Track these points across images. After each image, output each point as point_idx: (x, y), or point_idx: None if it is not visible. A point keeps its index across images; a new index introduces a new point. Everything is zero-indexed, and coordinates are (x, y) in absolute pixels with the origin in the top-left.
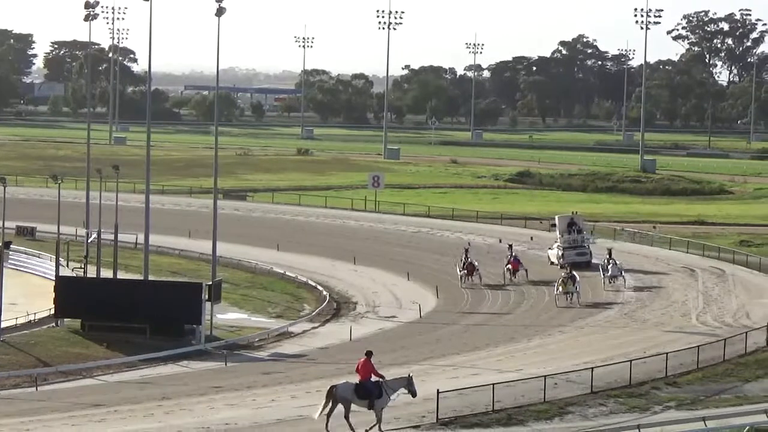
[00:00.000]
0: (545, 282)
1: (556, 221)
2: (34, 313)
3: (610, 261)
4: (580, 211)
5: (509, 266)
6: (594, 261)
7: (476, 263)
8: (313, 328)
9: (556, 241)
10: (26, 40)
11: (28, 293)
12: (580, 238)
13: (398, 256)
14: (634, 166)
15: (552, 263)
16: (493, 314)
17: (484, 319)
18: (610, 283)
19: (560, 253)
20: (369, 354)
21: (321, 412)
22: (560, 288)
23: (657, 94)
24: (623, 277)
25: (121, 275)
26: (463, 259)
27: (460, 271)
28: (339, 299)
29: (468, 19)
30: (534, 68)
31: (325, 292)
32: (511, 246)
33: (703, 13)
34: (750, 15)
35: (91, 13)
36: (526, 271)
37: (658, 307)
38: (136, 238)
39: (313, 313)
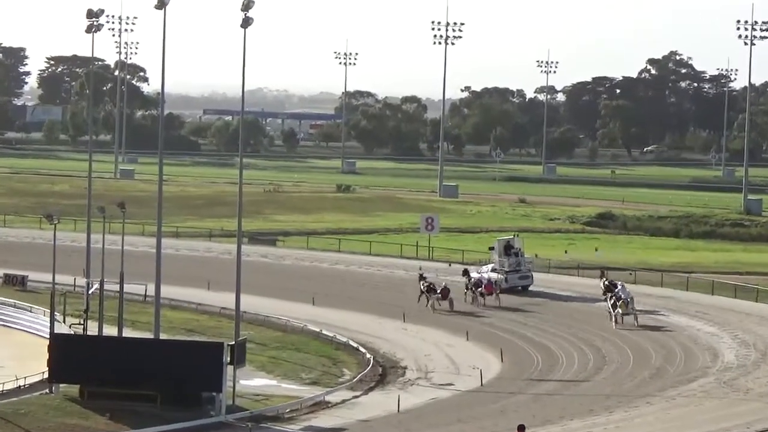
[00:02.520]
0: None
1: (495, 245)
2: (25, 378)
3: (616, 285)
4: (672, 260)
5: (482, 290)
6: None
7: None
8: (354, 397)
9: (488, 264)
10: (17, 55)
11: (17, 354)
12: (521, 261)
13: (455, 311)
14: (736, 207)
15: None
16: (567, 381)
17: (557, 387)
18: (619, 318)
19: (502, 277)
20: (521, 429)
21: None
22: (620, 309)
23: (764, 122)
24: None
25: (128, 333)
26: (423, 285)
27: (427, 294)
28: (385, 363)
29: (540, 33)
30: (617, 91)
31: (368, 355)
32: (466, 271)
33: None
34: None
35: (95, 23)
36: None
37: (764, 375)
38: (146, 290)
39: (355, 380)
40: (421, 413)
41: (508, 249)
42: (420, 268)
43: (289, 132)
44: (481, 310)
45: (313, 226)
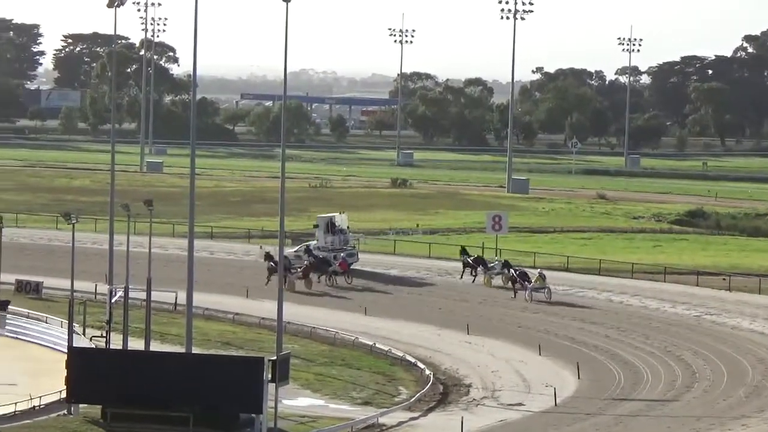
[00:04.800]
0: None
1: (319, 222)
2: (39, 397)
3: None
4: None
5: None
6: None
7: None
8: (412, 419)
9: (300, 245)
10: (30, 33)
11: (31, 370)
12: (347, 239)
13: (526, 322)
14: None
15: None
16: (653, 401)
17: (641, 407)
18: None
19: (328, 256)
20: None
21: None
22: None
23: None
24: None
25: (156, 347)
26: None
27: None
28: (447, 380)
29: (621, 7)
30: (709, 72)
31: (427, 371)
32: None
33: None
34: None
35: None
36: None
37: None
38: (176, 298)
39: (412, 399)
40: None
41: (332, 227)
42: (261, 247)
43: (337, 119)
44: (333, 290)
45: (365, 225)
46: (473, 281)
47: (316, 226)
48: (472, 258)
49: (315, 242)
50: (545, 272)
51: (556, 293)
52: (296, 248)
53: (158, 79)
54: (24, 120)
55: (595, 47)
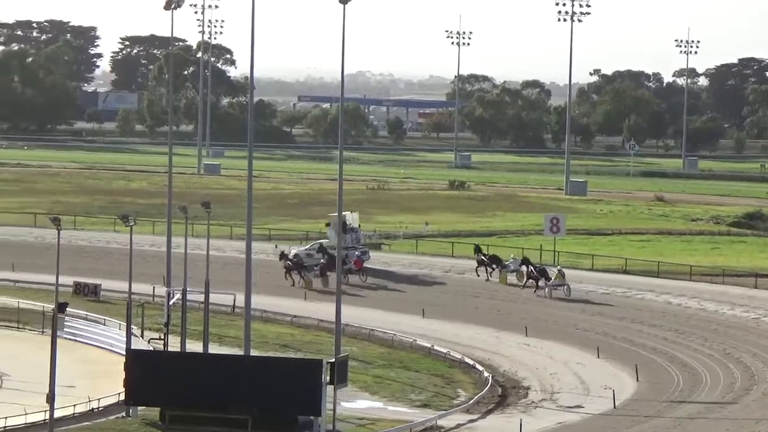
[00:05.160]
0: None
1: (331, 222)
2: (98, 399)
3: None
4: None
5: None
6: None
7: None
8: (471, 421)
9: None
10: (88, 36)
11: (89, 372)
12: (359, 238)
13: (584, 325)
14: None
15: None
16: (712, 403)
17: (700, 409)
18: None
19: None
20: None
21: None
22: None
23: None
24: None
25: (214, 349)
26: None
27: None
28: (505, 383)
29: (679, 9)
30: (767, 74)
31: (486, 374)
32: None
33: None
34: None
35: None
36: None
37: None
38: (234, 300)
39: (471, 402)
40: None
41: (343, 225)
42: (276, 246)
43: (394, 121)
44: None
45: (423, 227)
46: (487, 279)
47: (328, 225)
48: (486, 256)
49: (327, 240)
50: (565, 270)
51: (614, 295)
52: (308, 246)
53: (215, 82)
54: (81, 122)
55: (653, 49)
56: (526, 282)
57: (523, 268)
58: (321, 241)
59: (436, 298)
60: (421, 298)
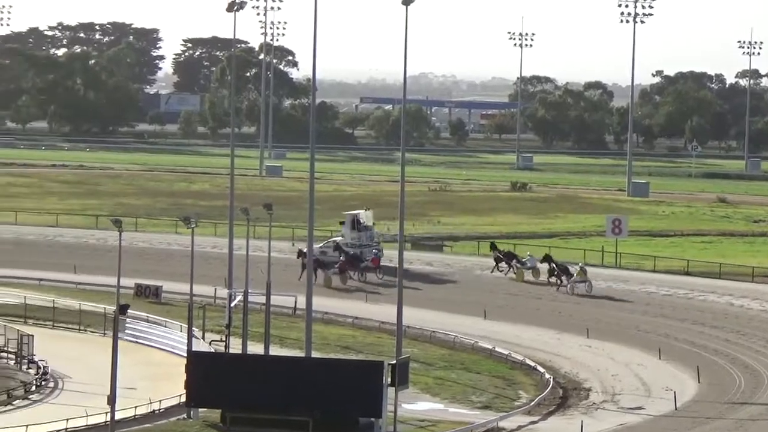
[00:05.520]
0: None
1: (346, 220)
2: (159, 401)
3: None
4: None
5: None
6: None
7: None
8: (532, 423)
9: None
10: (150, 38)
11: (150, 374)
12: (373, 235)
13: (646, 326)
14: None
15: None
16: None
17: (761, 411)
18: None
19: (357, 252)
20: None
21: None
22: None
23: None
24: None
25: (275, 351)
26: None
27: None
28: (566, 384)
29: (741, 10)
30: None
31: (547, 375)
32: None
33: None
34: None
35: (237, 1)
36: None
37: None
38: (295, 302)
39: (532, 403)
40: None
41: (357, 223)
42: (293, 244)
43: (457, 123)
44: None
45: (485, 229)
46: (506, 274)
47: (342, 223)
48: (503, 252)
49: (341, 238)
50: (587, 267)
51: (676, 296)
52: (322, 244)
53: (278, 83)
54: (143, 124)
55: (715, 50)
56: (549, 279)
57: (539, 265)
58: (336, 239)
59: (498, 300)
60: (482, 299)
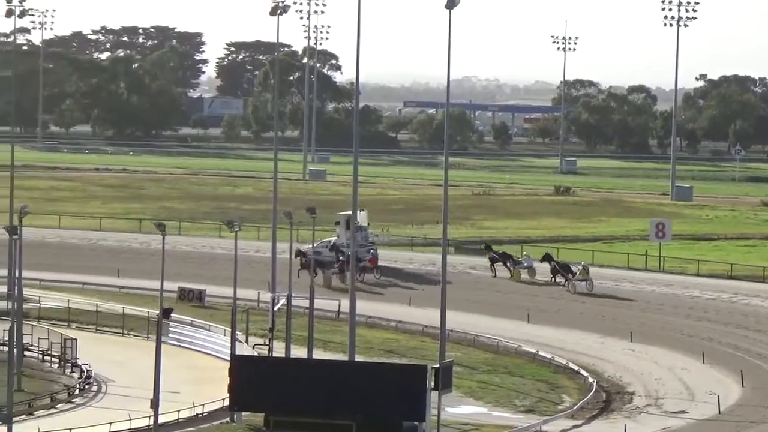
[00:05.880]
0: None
1: (340, 220)
2: (202, 405)
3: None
4: None
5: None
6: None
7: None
8: (575, 426)
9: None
10: (193, 42)
11: (194, 378)
12: (367, 236)
13: (689, 330)
14: None
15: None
16: None
17: None
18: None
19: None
20: None
21: None
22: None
23: None
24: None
25: (319, 355)
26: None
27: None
28: (610, 388)
29: None
30: None
31: (591, 379)
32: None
33: None
34: None
35: (280, 4)
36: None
37: None
38: (339, 305)
39: (575, 407)
40: None
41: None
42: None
43: (500, 127)
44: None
45: (528, 233)
46: (495, 276)
47: (337, 223)
48: (498, 253)
49: (336, 238)
50: (589, 266)
51: (720, 300)
52: (317, 243)
53: (321, 87)
54: (186, 128)
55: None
56: (554, 278)
57: (536, 264)
58: (331, 239)
59: (541, 304)
60: (525, 303)
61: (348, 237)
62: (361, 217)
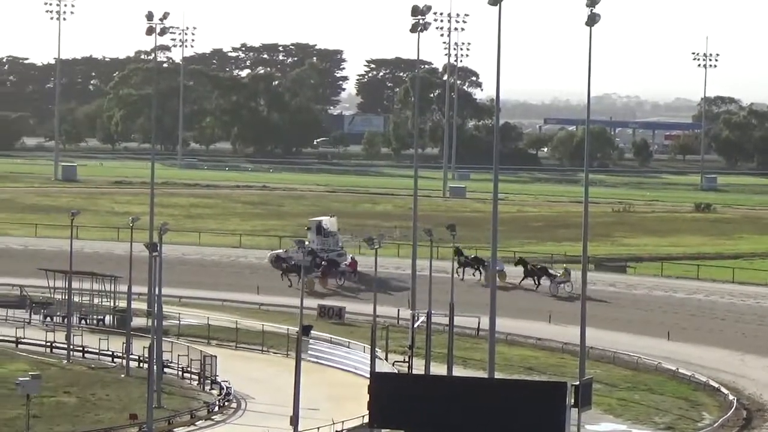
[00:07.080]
0: None
1: (310, 225)
2: (342, 422)
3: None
4: None
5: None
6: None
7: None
8: None
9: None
10: (334, 59)
11: (333, 394)
12: (338, 241)
13: None
14: None
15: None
16: None
17: None
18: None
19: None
20: None
21: None
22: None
23: None
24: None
25: (458, 372)
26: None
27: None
28: (750, 406)
29: None
30: None
31: (731, 396)
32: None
33: None
34: None
35: (421, 22)
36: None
37: None
38: (479, 323)
39: (716, 425)
40: None
41: (321, 229)
42: (271, 251)
43: (641, 143)
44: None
45: (668, 250)
46: (462, 278)
47: (308, 229)
48: (469, 258)
49: (307, 243)
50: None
51: None
52: (285, 249)
53: (461, 104)
54: (327, 145)
55: None
56: (522, 281)
57: (506, 269)
58: (301, 239)
59: (682, 321)
60: (666, 320)
61: (318, 242)
62: (331, 223)
